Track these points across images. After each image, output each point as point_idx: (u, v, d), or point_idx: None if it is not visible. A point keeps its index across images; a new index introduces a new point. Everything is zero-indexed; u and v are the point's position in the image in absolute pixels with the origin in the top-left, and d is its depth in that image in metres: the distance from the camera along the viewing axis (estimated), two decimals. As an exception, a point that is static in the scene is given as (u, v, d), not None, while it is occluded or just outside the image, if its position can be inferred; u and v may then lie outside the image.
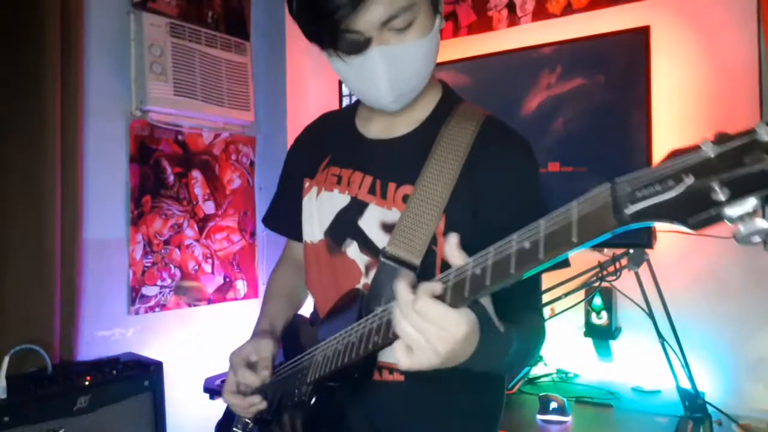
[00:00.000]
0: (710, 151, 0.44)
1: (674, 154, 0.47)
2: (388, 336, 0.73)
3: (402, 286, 0.65)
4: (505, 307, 0.74)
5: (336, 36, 0.81)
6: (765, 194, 0.42)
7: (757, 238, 0.43)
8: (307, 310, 1.15)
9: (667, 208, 0.47)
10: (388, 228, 0.90)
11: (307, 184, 1.05)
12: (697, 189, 0.44)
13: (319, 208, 1.00)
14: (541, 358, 2.18)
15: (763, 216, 0.43)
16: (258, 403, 0.99)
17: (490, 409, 0.98)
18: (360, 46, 0.82)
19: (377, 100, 0.89)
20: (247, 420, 1.05)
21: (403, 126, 0.96)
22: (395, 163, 0.93)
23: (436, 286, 0.64)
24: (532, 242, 0.57)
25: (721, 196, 0.43)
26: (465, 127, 0.90)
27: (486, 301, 0.68)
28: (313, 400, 0.92)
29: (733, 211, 0.43)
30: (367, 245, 0.93)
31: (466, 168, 0.87)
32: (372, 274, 0.91)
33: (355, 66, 0.85)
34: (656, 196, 0.47)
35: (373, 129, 1.00)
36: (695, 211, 0.45)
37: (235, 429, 1.07)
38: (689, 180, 0.45)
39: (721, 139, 0.44)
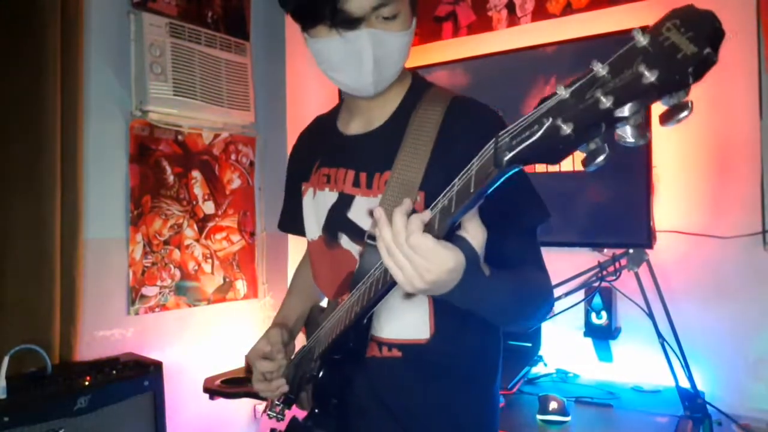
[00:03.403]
0: (564, 93, 0.52)
1: (540, 101, 0.55)
2: (370, 296, 0.85)
3: (399, 218, 0.71)
4: (505, 262, 0.82)
5: (335, 11, 0.88)
6: (607, 123, 0.49)
7: (600, 161, 0.51)
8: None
9: (533, 150, 0.55)
10: None
11: (303, 187, 1.13)
12: (552, 128, 0.52)
13: (315, 207, 1.08)
14: (540, 357, 2.18)
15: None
16: (282, 385, 1.10)
17: (487, 377, 1.04)
18: (352, 23, 0.89)
19: (358, 79, 0.94)
20: (276, 402, 1.17)
21: (378, 119, 1.03)
22: (374, 154, 0.99)
23: (425, 215, 0.72)
24: (449, 199, 0.69)
25: (567, 129, 0.51)
26: (434, 110, 0.96)
27: (477, 246, 0.74)
28: (321, 373, 1.03)
29: (579, 142, 0.51)
30: (358, 234, 0.99)
31: (437, 145, 0.93)
32: None
33: (345, 43, 0.90)
34: (526, 141, 0.55)
35: (353, 127, 1.07)
36: (554, 148, 0.53)
37: (268, 413, 1.19)
38: (547, 122, 0.53)
39: (570, 83, 0.52)
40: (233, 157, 2.66)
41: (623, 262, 1.89)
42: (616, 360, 2.10)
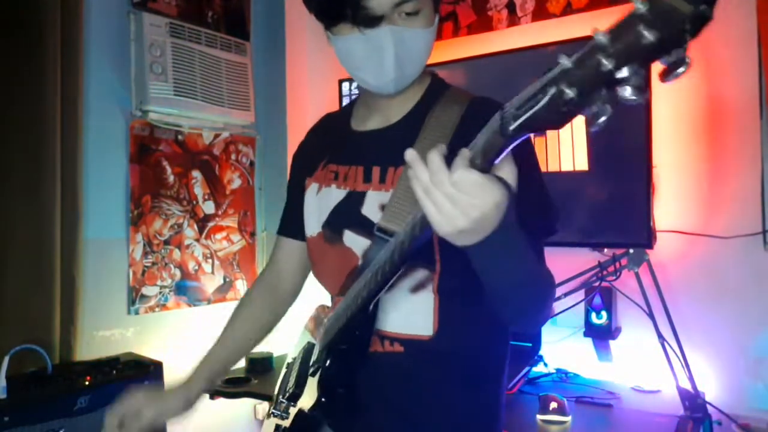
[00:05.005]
0: (567, 63, 0.54)
1: (543, 74, 0.57)
2: (377, 279, 0.84)
3: (437, 157, 0.67)
4: None
5: (357, 8, 0.88)
6: (608, 85, 0.51)
7: (602, 122, 0.53)
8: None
9: (538, 116, 0.56)
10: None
11: (307, 182, 1.12)
12: (557, 94, 0.54)
13: (319, 203, 1.07)
14: (541, 357, 2.18)
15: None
16: None
17: (490, 377, 1.02)
18: (374, 21, 0.89)
19: (379, 77, 0.94)
20: (281, 400, 1.14)
21: (395, 116, 1.03)
22: (388, 149, 0.98)
23: (465, 152, 0.68)
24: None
25: (571, 93, 0.53)
26: (452, 108, 0.97)
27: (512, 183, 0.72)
28: (328, 362, 1.01)
29: (583, 104, 0.53)
30: (365, 229, 0.97)
31: (454, 141, 0.91)
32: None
33: (366, 40, 0.91)
34: (530, 110, 0.57)
35: (369, 124, 1.06)
36: (559, 112, 0.54)
37: (273, 411, 1.15)
38: (552, 90, 0.54)
39: (572, 53, 0.54)
40: (233, 157, 2.66)
41: (623, 262, 1.89)
42: (616, 360, 2.10)
